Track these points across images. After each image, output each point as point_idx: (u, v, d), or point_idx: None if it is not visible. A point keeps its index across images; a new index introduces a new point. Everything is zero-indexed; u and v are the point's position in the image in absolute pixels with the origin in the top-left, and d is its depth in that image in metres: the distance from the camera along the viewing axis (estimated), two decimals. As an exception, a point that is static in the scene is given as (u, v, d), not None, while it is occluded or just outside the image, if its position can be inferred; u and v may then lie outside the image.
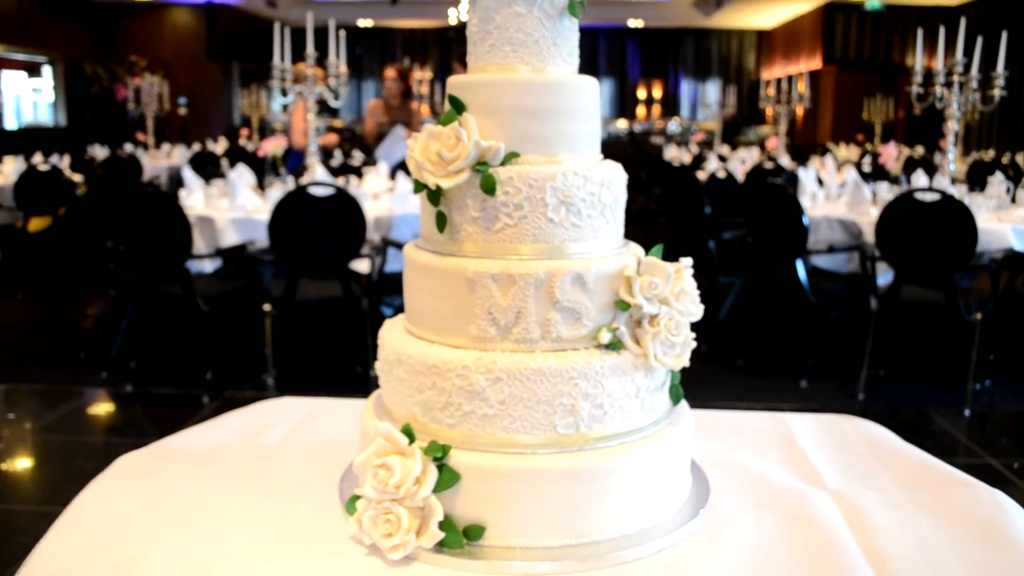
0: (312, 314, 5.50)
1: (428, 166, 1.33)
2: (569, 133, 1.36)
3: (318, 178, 5.13)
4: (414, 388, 1.34)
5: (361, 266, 4.62)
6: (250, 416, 1.87)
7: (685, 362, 1.37)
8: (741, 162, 9.29)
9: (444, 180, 1.32)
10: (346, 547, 1.30)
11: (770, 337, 5.63)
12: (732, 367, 5.02)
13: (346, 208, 4.28)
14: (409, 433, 1.30)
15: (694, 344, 1.38)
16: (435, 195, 1.35)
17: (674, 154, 11.98)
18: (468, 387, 1.28)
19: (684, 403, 1.50)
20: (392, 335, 1.42)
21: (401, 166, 6.32)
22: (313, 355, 5.16)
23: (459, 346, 1.32)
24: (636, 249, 1.43)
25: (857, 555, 1.28)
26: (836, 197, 5.57)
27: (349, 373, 4.72)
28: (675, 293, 1.36)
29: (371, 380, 4.56)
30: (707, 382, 4.68)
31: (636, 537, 1.30)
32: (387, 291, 4.79)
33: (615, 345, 1.32)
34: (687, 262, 1.38)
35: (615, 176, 1.39)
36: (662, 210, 8.44)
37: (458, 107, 1.33)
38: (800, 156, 9.99)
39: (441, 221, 1.36)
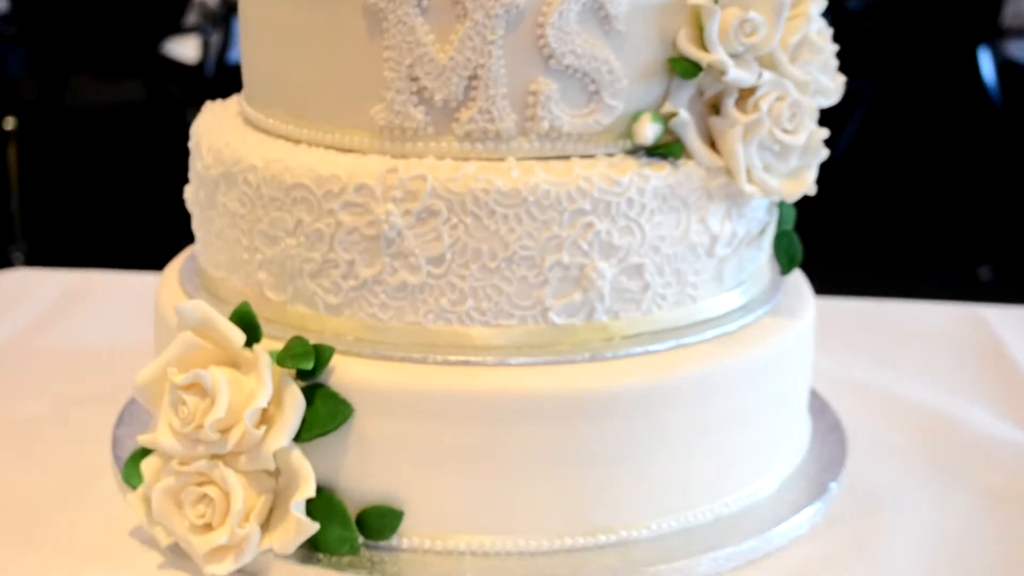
0: (95, 137, 5.32)
1: None
2: None
3: None
4: (259, 233, 1.30)
5: (184, 50, 4.55)
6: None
7: (808, 187, 1.33)
8: None
9: None
10: (122, 550, 1.28)
11: (924, 190, 5.54)
12: (857, 241, 4.95)
13: (154, -62, 4.12)
14: (247, 321, 1.24)
15: (825, 153, 1.33)
16: None
17: None
18: (369, 229, 1.23)
19: (800, 275, 1.49)
20: (216, 127, 1.39)
21: None
22: (96, 213, 5.00)
23: (350, 148, 1.27)
24: None
25: None
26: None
27: (163, 245, 4.57)
28: (792, 46, 1.29)
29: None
30: (815, 265, 4.61)
31: (702, 536, 1.30)
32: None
33: (669, 148, 1.27)
34: None
35: None
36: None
37: None
38: None
39: None
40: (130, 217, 5.01)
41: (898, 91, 5.51)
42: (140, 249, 4.62)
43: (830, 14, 4.38)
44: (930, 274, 4.73)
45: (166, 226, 4.69)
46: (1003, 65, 4.64)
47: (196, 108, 4.42)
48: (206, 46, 4.47)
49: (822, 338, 1.51)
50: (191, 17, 4.34)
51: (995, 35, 4.56)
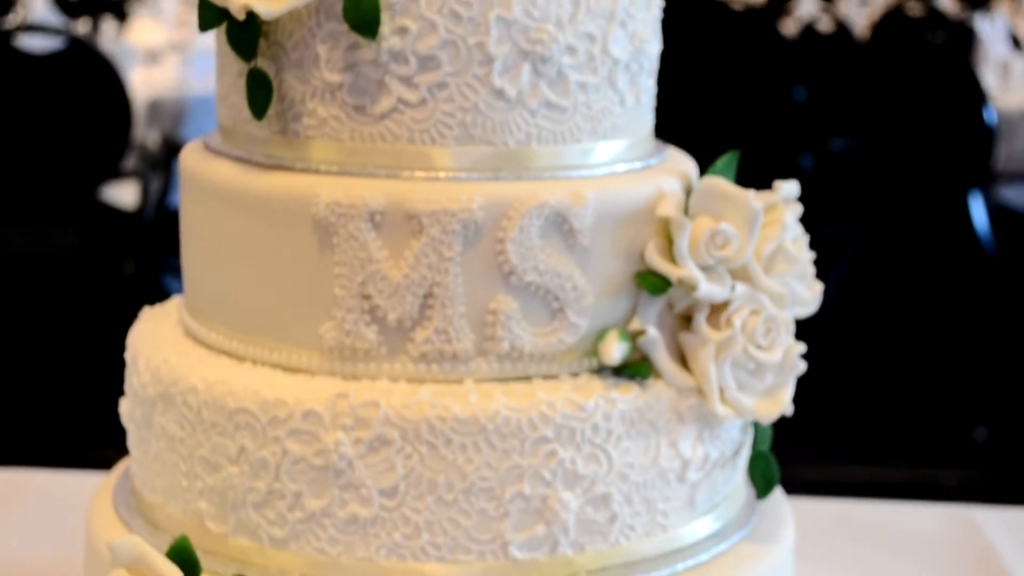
0: (20, 290, 5.28)
1: (230, -31, 1.26)
2: None
3: (35, 17, 4.94)
4: (200, 459, 1.29)
5: (123, 195, 4.55)
6: None
7: (784, 406, 1.33)
8: (860, 3, 9.20)
9: (265, 1, 1.24)
10: None
11: (914, 344, 5.55)
12: (844, 400, 4.93)
13: (91, 78, 4.16)
14: (186, 557, 1.20)
15: (802, 367, 1.34)
16: (246, 35, 1.28)
17: (733, -12, 11.88)
18: (317, 458, 1.23)
19: (779, 494, 1.48)
20: (154, 339, 1.38)
21: None
22: (21, 378, 4.94)
23: (298, 367, 1.28)
24: (680, 161, 1.41)
25: None
26: (1047, 73, 5.50)
27: (99, 418, 4.51)
28: (765, 257, 1.32)
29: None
30: (794, 421, 4.58)
31: None
32: (174, 247, 4.63)
33: (637, 369, 1.29)
34: (790, 190, 1.35)
35: None
36: (707, 95, 8.34)
37: None
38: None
39: (260, 92, 1.29)
40: (52, 379, 4.96)
41: (885, 238, 5.55)
42: (69, 414, 4.57)
43: (810, 154, 4.43)
44: (919, 433, 4.71)
45: (98, 390, 4.65)
46: (995, 211, 4.67)
47: (137, 260, 4.41)
48: (146, 192, 4.47)
49: (803, 545, 1.48)
50: (130, 159, 4.34)
51: (987, 179, 4.60)
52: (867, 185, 5.49)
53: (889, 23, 6.98)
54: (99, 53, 4.18)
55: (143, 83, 4.70)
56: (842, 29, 6.81)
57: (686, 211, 1.29)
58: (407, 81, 1.24)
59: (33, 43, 4.16)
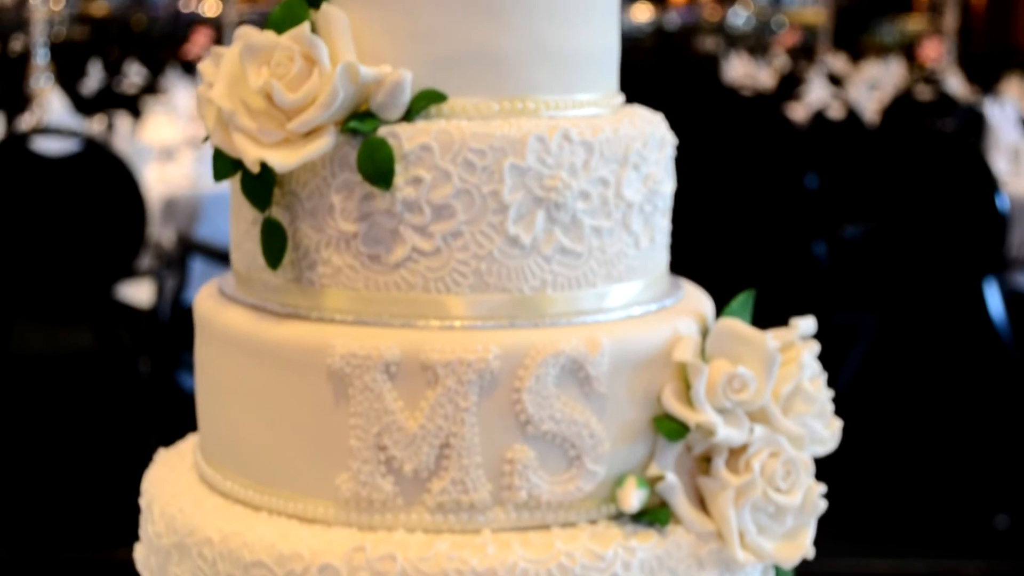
0: (36, 389, 5.28)
1: (245, 122, 1.25)
2: (553, 48, 1.33)
3: (52, 119, 4.97)
4: None
5: (138, 293, 4.56)
6: None
7: (806, 550, 1.32)
8: (870, 88, 9.25)
9: (279, 154, 1.25)
10: None
11: (932, 432, 5.53)
12: (863, 489, 4.91)
13: (106, 179, 4.20)
14: None
15: (823, 506, 1.33)
16: (261, 186, 1.28)
17: (743, 71, 11.94)
18: None
19: None
20: (169, 485, 1.37)
21: None
22: (38, 479, 4.93)
23: (314, 518, 1.27)
24: (696, 300, 1.40)
25: None
26: (1058, 157, 5.50)
27: (115, 519, 4.50)
28: (783, 397, 1.31)
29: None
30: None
31: None
32: (188, 344, 4.63)
33: (655, 515, 1.27)
34: (807, 327, 1.34)
35: (652, 140, 1.35)
36: (718, 183, 8.36)
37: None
38: (984, 75, 10.01)
39: (275, 242, 1.30)
40: (68, 478, 4.94)
41: (900, 325, 5.54)
42: (86, 515, 4.55)
43: (823, 241, 4.44)
44: (937, 522, 4.68)
45: (114, 488, 4.64)
46: (1011, 297, 4.66)
47: (152, 357, 4.42)
48: (161, 290, 4.48)
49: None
50: (145, 258, 4.36)
51: (1001, 266, 4.59)
52: (881, 272, 5.50)
53: (899, 108, 7.02)
54: (114, 154, 4.21)
55: (157, 180, 4.73)
56: (852, 115, 6.85)
57: (703, 353, 1.28)
58: (421, 230, 1.24)
59: (49, 145, 4.19)
